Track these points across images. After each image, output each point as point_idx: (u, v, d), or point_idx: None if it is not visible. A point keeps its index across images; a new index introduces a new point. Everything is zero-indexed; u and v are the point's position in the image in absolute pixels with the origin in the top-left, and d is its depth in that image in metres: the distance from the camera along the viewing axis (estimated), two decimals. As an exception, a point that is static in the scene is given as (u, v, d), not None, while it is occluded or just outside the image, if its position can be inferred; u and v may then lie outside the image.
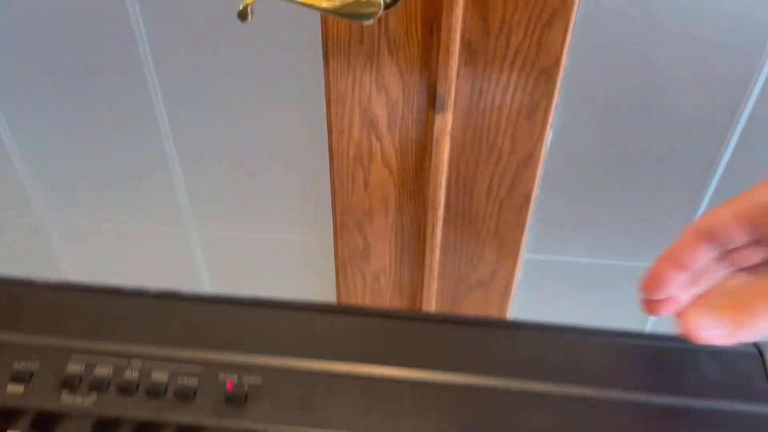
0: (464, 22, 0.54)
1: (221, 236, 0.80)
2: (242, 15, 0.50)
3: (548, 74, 0.57)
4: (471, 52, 0.57)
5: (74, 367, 0.40)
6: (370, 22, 0.50)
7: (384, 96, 0.61)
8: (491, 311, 0.81)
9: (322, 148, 0.67)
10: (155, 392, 0.38)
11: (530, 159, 0.64)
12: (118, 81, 0.65)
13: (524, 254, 0.77)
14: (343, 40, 0.57)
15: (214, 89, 0.66)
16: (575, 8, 0.53)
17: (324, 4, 0.49)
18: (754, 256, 0.34)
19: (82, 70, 0.65)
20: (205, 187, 0.75)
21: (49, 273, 0.87)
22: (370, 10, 0.49)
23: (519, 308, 0.83)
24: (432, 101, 0.59)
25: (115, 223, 0.79)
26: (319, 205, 0.74)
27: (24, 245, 0.85)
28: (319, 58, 0.59)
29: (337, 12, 0.49)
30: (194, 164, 0.72)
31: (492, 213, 0.69)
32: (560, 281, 0.79)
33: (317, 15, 0.54)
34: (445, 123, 0.61)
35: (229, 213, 0.78)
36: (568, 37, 0.55)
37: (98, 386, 0.39)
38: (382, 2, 0.49)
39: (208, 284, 0.87)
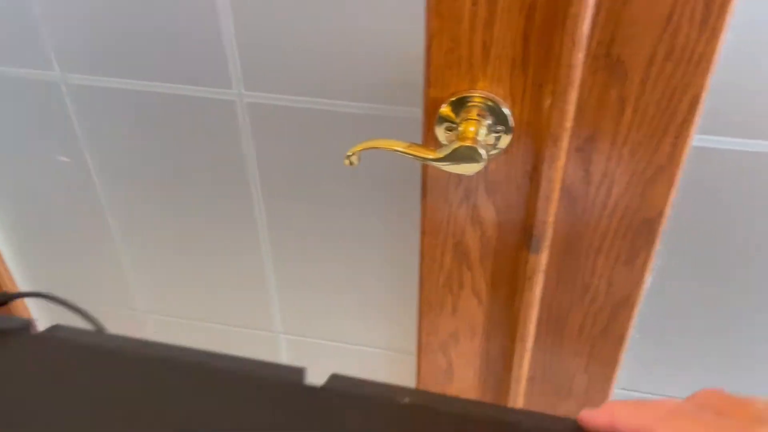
0: (565, 171, 0.55)
1: (307, 342, 0.82)
2: (351, 161, 0.52)
3: (650, 225, 0.56)
4: (571, 199, 0.56)
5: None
6: (472, 174, 0.51)
7: (479, 230, 0.61)
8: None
9: (411, 273, 0.68)
10: None
11: (626, 302, 0.62)
12: (227, 203, 0.69)
13: (615, 389, 0.73)
14: (441, 180, 0.58)
15: (316, 217, 0.68)
16: (681, 165, 0.52)
17: (429, 156, 0.51)
18: None
19: (194, 186, 0.69)
20: (297, 301, 0.77)
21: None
22: (473, 165, 0.50)
23: None
24: (527, 241, 0.59)
25: (210, 322, 0.82)
26: (406, 327, 0.75)
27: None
28: (415, 190, 0.61)
29: (441, 163, 0.51)
30: (289, 281, 0.75)
31: (583, 350, 0.67)
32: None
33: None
34: (539, 263, 0.60)
35: (317, 324, 0.79)
36: (673, 191, 0.54)
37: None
38: (485, 157, 0.50)
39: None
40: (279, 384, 0.38)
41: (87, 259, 0.81)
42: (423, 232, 0.63)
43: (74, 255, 0.81)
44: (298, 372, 0.39)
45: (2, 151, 0.73)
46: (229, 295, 0.79)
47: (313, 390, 0.38)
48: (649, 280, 0.62)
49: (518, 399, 0.73)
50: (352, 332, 0.79)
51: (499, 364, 0.71)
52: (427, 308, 0.69)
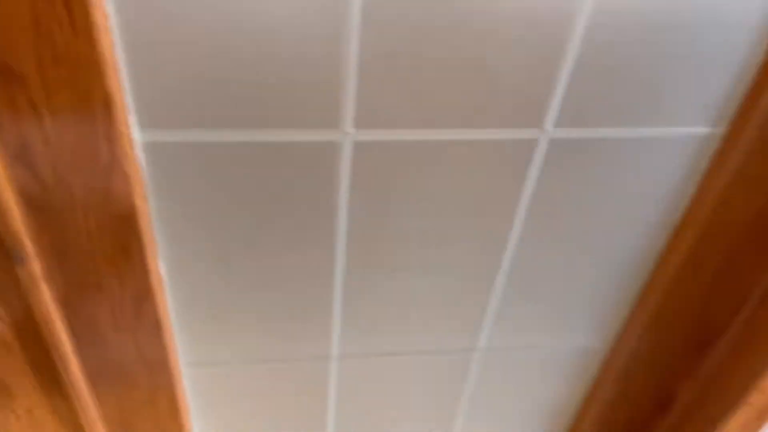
0: (16, 180, 0.52)
1: None
2: None
3: (128, 221, 0.56)
4: (34, 207, 0.54)
5: None
6: None
7: (-40, 249, 0.56)
8: (168, 427, 0.79)
9: None
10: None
11: (145, 291, 0.63)
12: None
13: (183, 367, 0.76)
14: None
15: None
16: (131, 160, 0.53)
17: None
18: None
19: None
20: None
21: None
22: None
23: (200, 413, 0.82)
24: (9, 255, 0.56)
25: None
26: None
27: None
28: None
29: None
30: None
31: (127, 341, 0.67)
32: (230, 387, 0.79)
33: None
34: (33, 272, 0.58)
35: None
36: (137, 186, 0.54)
37: None
38: None
39: None
40: None
41: None
42: None
43: None
44: None
45: None
46: None
47: None
48: (162, 269, 0.64)
49: (84, 401, 0.71)
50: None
51: (50, 373, 0.69)
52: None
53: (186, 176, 0.58)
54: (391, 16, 0.50)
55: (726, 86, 0.59)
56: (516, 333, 0.80)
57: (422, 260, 0.69)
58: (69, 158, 0.51)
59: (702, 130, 0.62)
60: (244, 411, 0.83)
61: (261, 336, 0.74)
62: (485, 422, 0.94)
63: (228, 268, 0.66)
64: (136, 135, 0.54)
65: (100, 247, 0.58)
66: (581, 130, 0.60)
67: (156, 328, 0.67)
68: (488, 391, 0.89)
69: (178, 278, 0.66)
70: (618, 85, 0.57)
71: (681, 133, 0.62)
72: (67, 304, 0.62)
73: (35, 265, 0.57)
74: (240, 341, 0.74)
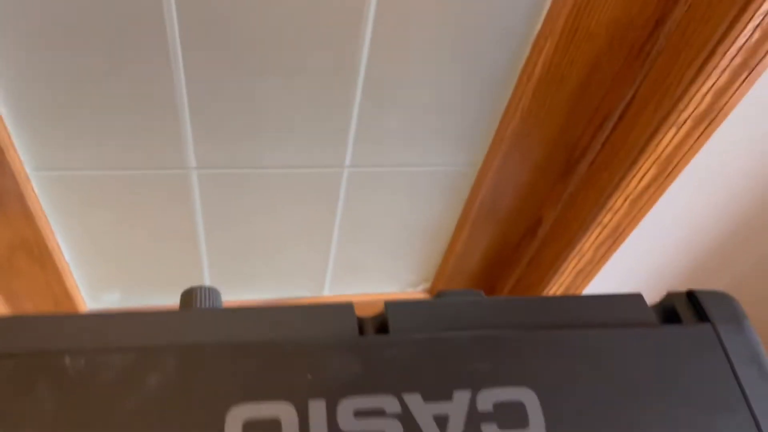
0: None
1: None
2: None
3: None
4: None
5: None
6: None
7: None
8: (26, 232, 0.78)
9: None
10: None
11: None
12: None
13: (31, 172, 0.74)
14: None
15: None
16: None
17: None
18: None
19: None
20: None
21: None
22: None
23: (59, 221, 0.81)
24: None
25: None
26: None
27: None
28: None
29: None
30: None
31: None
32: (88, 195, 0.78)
33: None
34: None
35: None
36: None
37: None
38: None
39: None
40: None
41: None
42: None
43: None
44: None
45: None
46: None
47: None
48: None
49: None
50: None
51: None
52: None
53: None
54: None
55: None
56: (382, 151, 0.79)
57: (271, 64, 0.66)
58: None
59: None
60: (108, 221, 0.83)
61: (113, 146, 0.72)
62: (359, 246, 0.96)
63: (65, 68, 0.62)
64: None
65: None
66: None
67: (-19, 123, 0.64)
68: (360, 213, 0.89)
69: (11, 79, 0.62)
70: None
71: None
72: None
73: None
74: (88, 148, 0.72)
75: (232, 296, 1.01)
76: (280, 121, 0.73)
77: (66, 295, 0.90)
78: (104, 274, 0.92)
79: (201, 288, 0.44)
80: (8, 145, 0.68)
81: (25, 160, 0.72)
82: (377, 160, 0.81)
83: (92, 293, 0.95)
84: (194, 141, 0.73)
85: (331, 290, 1.05)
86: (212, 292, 0.44)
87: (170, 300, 0.98)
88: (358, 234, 0.93)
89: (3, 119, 0.66)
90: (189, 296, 0.42)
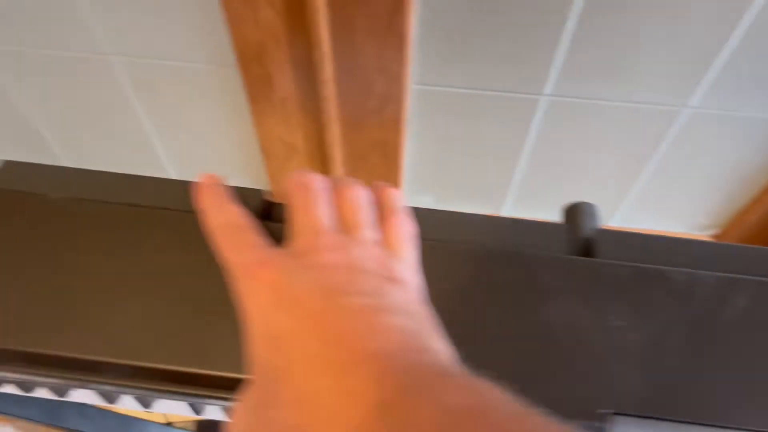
0: None
1: (140, 63, 0.87)
2: None
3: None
4: None
5: None
6: None
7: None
8: (389, 135, 0.91)
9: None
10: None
11: (400, 5, 0.69)
12: None
13: (412, 86, 0.84)
14: None
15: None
16: None
17: None
18: None
19: None
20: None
21: None
22: None
23: (417, 132, 0.92)
24: (299, -51, 0.63)
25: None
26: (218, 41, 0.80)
27: None
28: None
29: None
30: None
31: (374, 51, 0.75)
32: (447, 110, 0.88)
33: None
34: (315, -30, 0.65)
35: (145, 45, 0.84)
36: None
37: None
38: None
39: (137, 105, 0.95)
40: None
41: None
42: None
43: None
44: None
45: None
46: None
47: None
48: (419, -19, 0.68)
49: (330, 100, 0.83)
50: (175, 49, 0.84)
51: (308, 69, 0.80)
52: (233, 22, 0.74)
53: None
54: None
55: None
56: (734, 98, 0.80)
57: (657, 6, 0.69)
58: None
59: None
60: (453, 136, 0.93)
61: (487, 68, 0.80)
62: (667, 184, 0.99)
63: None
64: None
65: (374, -48, 0.63)
66: None
67: (401, 41, 0.74)
68: (681, 155, 0.91)
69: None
70: None
71: None
72: (335, 8, 0.70)
73: (317, -36, 0.64)
74: (466, 69, 0.81)
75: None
76: (647, 60, 0.76)
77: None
78: (422, 177, 1.04)
79: (584, 204, 0.51)
80: (407, 59, 0.78)
81: (413, 74, 0.82)
82: (714, 103, 0.82)
83: (409, 194, 1.08)
84: (561, 71, 0.79)
85: (622, 221, 1.10)
86: (593, 208, 0.51)
87: (474, 209, 1.09)
88: (668, 171, 0.96)
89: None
90: (574, 210, 0.49)
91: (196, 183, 0.38)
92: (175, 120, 0.98)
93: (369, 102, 0.84)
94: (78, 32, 0.82)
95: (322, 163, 1.00)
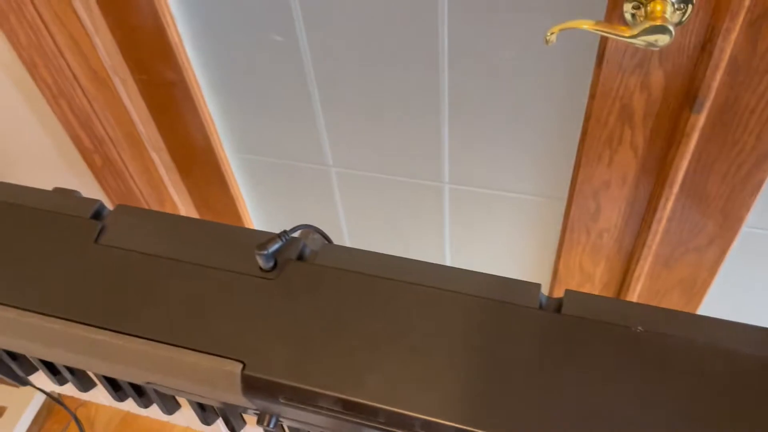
0: (735, 44, 0.63)
1: (469, 191, 0.97)
2: (549, 40, 0.63)
3: (806, 87, 0.65)
4: (735, 67, 0.66)
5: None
6: (658, 48, 0.61)
7: (646, 94, 0.72)
8: (700, 274, 0.92)
9: (571, 133, 0.80)
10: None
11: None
12: (414, 74, 0.81)
13: (744, 228, 0.86)
14: (619, 51, 0.68)
15: (489, 82, 0.80)
16: None
17: (624, 34, 0.61)
18: None
19: (388, 65, 0.81)
20: (463, 156, 0.91)
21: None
22: (662, 40, 0.60)
23: (725, 272, 0.93)
24: (690, 103, 0.69)
25: (387, 174, 0.98)
26: (558, 177, 0.88)
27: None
28: (584, 59, 0.71)
29: (633, 39, 0.61)
30: (459, 138, 0.88)
31: (723, 194, 0.79)
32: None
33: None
34: (699, 121, 0.71)
35: (482, 175, 0.94)
36: (833, 58, 0.62)
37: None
38: (673, 34, 0.59)
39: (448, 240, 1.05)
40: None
41: (284, 119, 0.96)
42: (592, 96, 0.74)
43: (273, 116, 0.96)
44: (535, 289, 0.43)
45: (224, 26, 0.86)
46: (407, 152, 0.93)
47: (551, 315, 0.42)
48: (793, 134, 0.72)
49: (657, 237, 0.87)
50: (509, 181, 0.93)
51: (643, 206, 0.85)
52: (586, 160, 0.82)
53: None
54: None
55: None
56: None
57: None
58: None
59: None
60: None
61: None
62: None
63: None
64: None
65: (763, 110, 0.68)
66: None
67: (755, 187, 0.77)
68: None
69: None
70: None
71: None
72: (698, 155, 0.75)
73: (702, 117, 0.70)
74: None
75: None
76: None
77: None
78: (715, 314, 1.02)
79: None
80: (751, 205, 0.81)
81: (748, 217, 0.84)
82: None
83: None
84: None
85: None
86: None
87: None
88: None
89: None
90: None
91: None
92: (474, 245, 1.06)
93: (695, 240, 0.87)
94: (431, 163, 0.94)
95: (615, 294, 1.02)
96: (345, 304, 0.42)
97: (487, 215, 1.00)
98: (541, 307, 0.41)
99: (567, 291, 0.42)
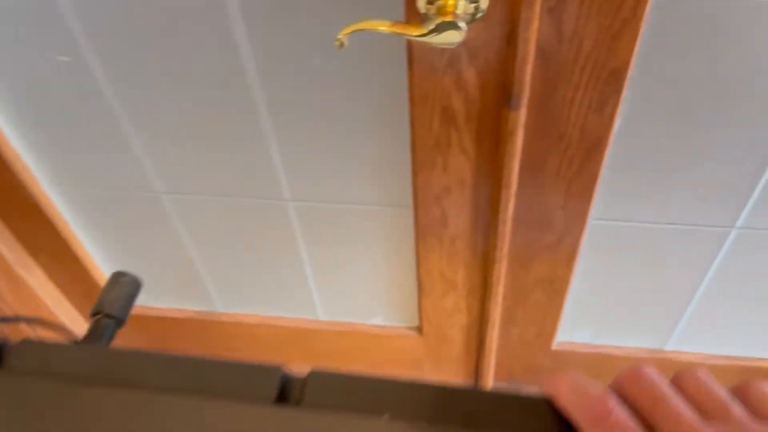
0: (539, 32, 0.59)
1: (313, 206, 0.90)
2: (341, 43, 0.56)
3: (617, 75, 0.62)
4: (545, 57, 0.61)
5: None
6: (453, 46, 0.56)
7: (463, 94, 0.67)
8: (558, 271, 0.89)
9: (402, 138, 0.74)
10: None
11: (598, 145, 0.69)
12: (226, 88, 0.73)
13: (591, 220, 0.83)
14: (426, 51, 0.63)
15: (311, 95, 0.73)
16: (644, 17, 0.57)
17: (413, 33, 0.55)
18: None
19: (194, 75, 0.73)
20: (301, 172, 0.84)
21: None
22: (454, 37, 0.54)
23: (583, 267, 0.90)
24: (507, 100, 0.65)
25: (222, 196, 0.89)
26: (401, 184, 0.82)
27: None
28: (397, 67, 0.66)
29: (425, 38, 0.55)
30: (292, 155, 0.81)
31: (560, 189, 0.75)
32: (623, 244, 0.86)
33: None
34: (519, 118, 0.66)
35: (321, 189, 0.87)
36: (637, 42, 0.59)
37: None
38: (465, 29, 0.54)
39: (303, 249, 0.97)
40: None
41: (99, 149, 0.86)
42: (412, 101, 0.68)
43: (87, 146, 0.86)
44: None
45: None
46: (239, 171, 0.85)
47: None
48: (618, 123, 0.69)
49: (506, 239, 0.82)
50: (352, 193, 0.86)
51: (487, 209, 0.80)
52: (419, 167, 0.76)
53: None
54: None
55: None
56: None
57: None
58: (593, 11, 0.57)
59: None
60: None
61: (676, 199, 0.78)
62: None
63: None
64: (644, -7, 0.57)
65: (581, 100, 0.65)
66: None
67: (590, 181, 0.74)
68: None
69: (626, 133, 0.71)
70: None
71: None
72: (528, 152, 0.71)
73: (522, 113, 0.66)
74: (656, 201, 0.79)
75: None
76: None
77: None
78: (583, 312, 1.00)
79: None
80: (592, 197, 0.78)
81: (594, 209, 0.81)
82: None
83: (567, 329, 1.04)
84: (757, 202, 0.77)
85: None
86: None
87: (636, 343, 1.03)
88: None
89: (594, 176, 0.76)
90: None
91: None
92: (334, 261, 0.99)
93: (545, 238, 0.83)
94: (268, 182, 0.86)
95: (480, 299, 0.98)
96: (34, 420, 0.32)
97: (338, 229, 0.93)
98: (280, 396, 0.33)
99: (312, 373, 0.34)
